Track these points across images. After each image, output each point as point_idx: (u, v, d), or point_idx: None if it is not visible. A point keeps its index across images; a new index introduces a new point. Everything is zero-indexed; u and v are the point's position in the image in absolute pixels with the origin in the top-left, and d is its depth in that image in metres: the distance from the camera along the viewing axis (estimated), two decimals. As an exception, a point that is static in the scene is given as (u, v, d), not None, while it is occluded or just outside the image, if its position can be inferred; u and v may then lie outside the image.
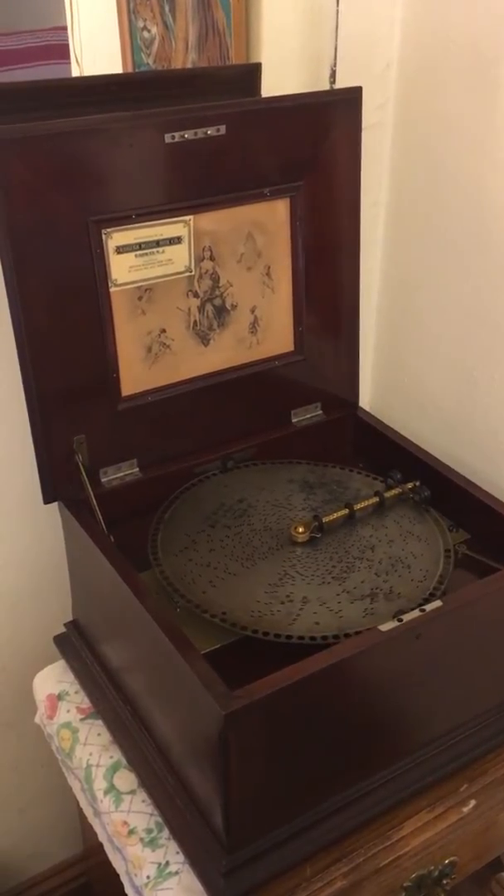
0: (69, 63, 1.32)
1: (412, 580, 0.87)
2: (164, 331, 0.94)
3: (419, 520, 0.95)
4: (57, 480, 0.91)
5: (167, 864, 0.82)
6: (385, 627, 0.76)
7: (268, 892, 0.78)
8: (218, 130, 0.87)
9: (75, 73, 1.30)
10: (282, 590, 0.86)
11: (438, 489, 0.97)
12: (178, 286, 0.93)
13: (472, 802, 0.87)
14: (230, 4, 0.99)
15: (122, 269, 0.88)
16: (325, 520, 0.93)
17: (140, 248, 0.88)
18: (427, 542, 0.92)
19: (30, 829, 1.34)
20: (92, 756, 0.94)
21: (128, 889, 0.86)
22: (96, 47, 1.29)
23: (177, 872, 0.82)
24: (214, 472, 1.01)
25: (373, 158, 1.08)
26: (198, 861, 0.79)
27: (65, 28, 1.29)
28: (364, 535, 0.93)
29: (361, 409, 1.11)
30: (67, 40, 1.30)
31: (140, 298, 0.91)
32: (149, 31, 1.18)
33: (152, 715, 0.87)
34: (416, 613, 0.77)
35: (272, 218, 0.96)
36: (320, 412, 1.08)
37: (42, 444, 0.89)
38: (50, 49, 1.39)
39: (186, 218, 0.90)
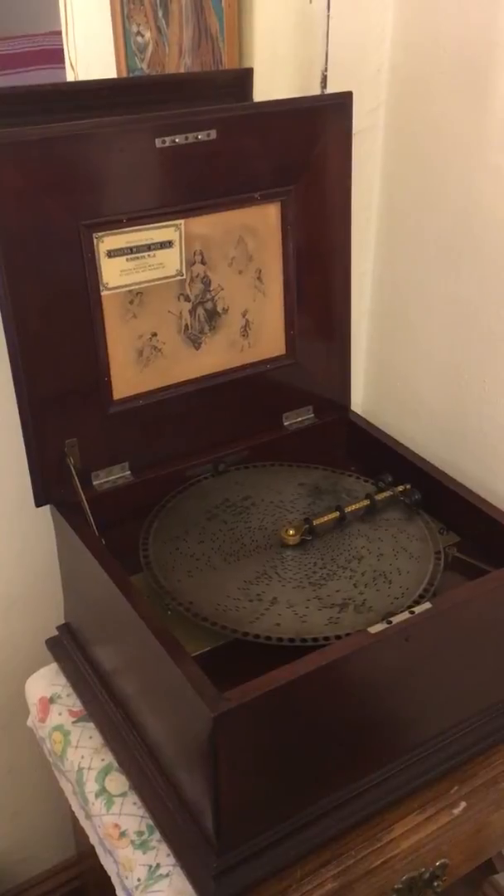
0: (64, 68, 1.32)
1: (388, 595, 0.85)
2: (155, 334, 0.94)
3: (417, 535, 0.94)
4: (48, 483, 0.92)
5: (158, 866, 0.83)
6: (374, 629, 0.76)
7: (258, 894, 0.78)
8: (209, 135, 0.87)
9: (70, 77, 1.31)
10: (254, 588, 0.86)
11: (430, 492, 0.97)
12: (170, 290, 0.93)
13: (463, 804, 0.87)
14: (223, 9, 1.00)
15: (114, 273, 0.88)
16: (315, 522, 0.93)
17: (131, 252, 0.89)
18: (418, 559, 0.90)
19: (23, 833, 1.34)
20: (83, 759, 0.94)
21: (119, 892, 0.86)
22: (91, 52, 1.30)
23: (167, 875, 0.82)
24: (206, 476, 1.01)
25: (364, 162, 1.09)
26: (188, 863, 0.79)
27: (60, 33, 1.29)
28: (356, 546, 0.93)
29: (353, 412, 1.11)
30: (62, 45, 1.30)
31: (131, 302, 0.91)
32: (142, 36, 1.19)
33: (144, 717, 0.87)
34: (405, 615, 0.78)
35: (263, 222, 0.96)
36: (312, 415, 1.08)
37: (34, 447, 0.90)
38: (45, 54, 1.39)
39: (177, 222, 0.90)
